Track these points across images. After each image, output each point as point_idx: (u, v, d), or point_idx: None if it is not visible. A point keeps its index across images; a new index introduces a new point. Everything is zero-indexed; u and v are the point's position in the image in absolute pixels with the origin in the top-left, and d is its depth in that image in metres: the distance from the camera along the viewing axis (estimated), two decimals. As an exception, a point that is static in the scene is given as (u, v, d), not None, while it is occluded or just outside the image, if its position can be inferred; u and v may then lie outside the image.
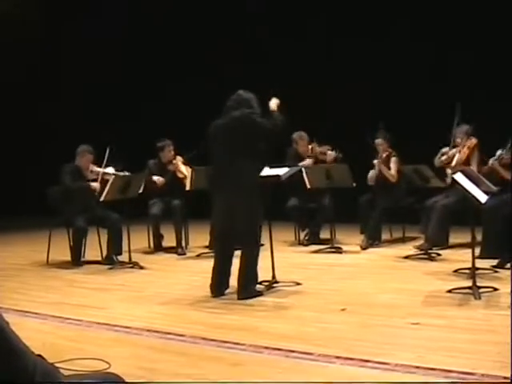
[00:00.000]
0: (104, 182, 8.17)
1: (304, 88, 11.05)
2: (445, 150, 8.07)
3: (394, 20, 10.55)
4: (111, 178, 7.98)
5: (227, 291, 6.26)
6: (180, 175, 9.21)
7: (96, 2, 12.95)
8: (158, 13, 12.82)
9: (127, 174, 8.39)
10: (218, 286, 6.24)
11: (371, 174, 8.98)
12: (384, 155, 8.91)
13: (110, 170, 8.40)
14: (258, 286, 6.24)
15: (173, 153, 9.30)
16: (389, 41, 10.57)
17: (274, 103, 6.45)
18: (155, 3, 12.61)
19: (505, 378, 3.65)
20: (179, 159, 9.25)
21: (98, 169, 8.43)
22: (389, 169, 8.89)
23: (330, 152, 9.09)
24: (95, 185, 8.31)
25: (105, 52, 13.07)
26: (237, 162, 6.03)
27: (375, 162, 8.92)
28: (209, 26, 12.32)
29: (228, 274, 6.29)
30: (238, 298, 6.04)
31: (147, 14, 12.86)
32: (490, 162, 7.26)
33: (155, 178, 9.11)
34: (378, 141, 8.92)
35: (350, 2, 10.97)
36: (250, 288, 6.09)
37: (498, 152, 7.35)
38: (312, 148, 9.27)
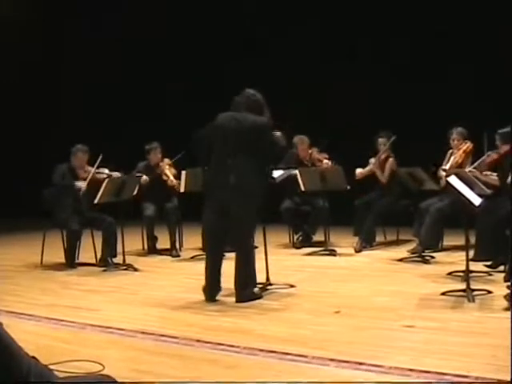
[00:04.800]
0: (94, 182, 8.15)
1: (302, 88, 11.08)
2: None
3: (393, 20, 10.57)
4: (105, 181, 7.96)
5: (221, 294, 6.26)
6: (164, 177, 9.22)
7: (96, 2, 12.97)
8: (159, 13, 12.82)
9: (119, 174, 8.38)
10: (213, 290, 6.19)
11: (360, 170, 8.99)
12: (382, 157, 8.92)
13: (104, 170, 8.40)
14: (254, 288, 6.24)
15: (160, 156, 9.34)
16: (388, 42, 10.60)
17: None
18: (156, 3, 12.65)
19: (499, 380, 3.66)
20: (166, 162, 9.26)
21: (91, 168, 8.40)
22: (383, 170, 8.92)
23: (326, 161, 9.09)
24: (79, 184, 8.26)
25: (105, 52, 13.08)
26: (242, 162, 5.97)
27: (371, 161, 8.94)
28: (209, 26, 12.32)
29: (220, 276, 6.26)
30: (237, 301, 6.02)
31: (147, 14, 12.85)
32: (469, 169, 7.19)
33: (139, 176, 9.08)
34: (382, 140, 8.94)
35: (349, 2, 10.99)
36: (247, 290, 6.07)
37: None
38: (311, 153, 9.27)
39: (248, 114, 6.11)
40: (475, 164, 7.34)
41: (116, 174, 8.37)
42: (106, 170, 8.40)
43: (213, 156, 6.18)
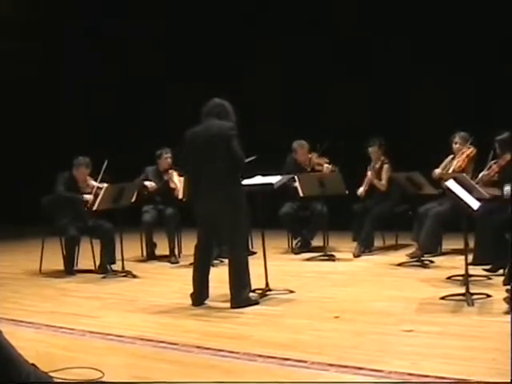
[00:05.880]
0: (97, 196, 8.15)
1: (303, 88, 11.10)
2: (437, 170, 8.08)
3: (394, 20, 10.59)
4: (104, 187, 7.95)
5: (220, 300, 6.26)
6: (172, 185, 9.20)
7: (96, 2, 13.03)
8: (159, 12, 12.86)
9: None
10: (200, 296, 6.25)
11: (360, 191, 9.00)
12: (377, 166, 8.93)
13: (105, 185, 8.37)
14: (251, 294, 6.23)
15: (169, 161, 9.28)
16: (389, 42, 10.63)
17: None
18: (156, 3, 12.70)
19: (499, 384, 3.67)
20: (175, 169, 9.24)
21: (94, 183, 8.39)
22: (381, 178, 8.92)
23: (326, 165, 9.09)
24: (88, 197, 8.26)
25: (105, 52, 13.13)
26: (220, 169, 6.01)
27: (368, 174, 8.92)
28: (209, 26, 12.34)
29: (208, 283, 6.30)
30: (232, 307, 6.02)
31: (147, 14, 12.89)
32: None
33: (147, 183, 9.12)
34: (372, 149, 8.94)
35: (349, 3, 11.00)
36: (242, 296, 6.06)
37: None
38: (311, 158, 9.28)
39: (215, 120, 6.15)
40: (478, 178, 7.30)
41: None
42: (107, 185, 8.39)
43: (194, 164, 6.25)
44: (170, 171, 9.24)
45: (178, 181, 9.15)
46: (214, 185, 6.02)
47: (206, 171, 6.06)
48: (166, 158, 9.29)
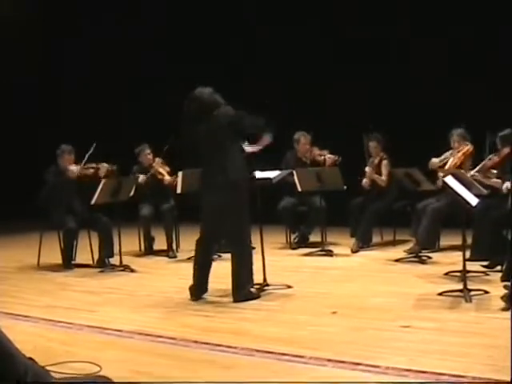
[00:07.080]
0: (83, 176, 8.30)
1: (302, 88, 11.08)
2: (434, 159, 8.06)
3: (393, 20, 10.57)
4: (102, 182, 7.96)
5: (218, 294, 6.26)
6: (159, 176, 9.21)
7: (96, 2, 13.01)
8: (159, 12, 12.84)
9: (105, 165, 8.37)
10: (199, 290, 6.25)
11: (364, 182, 8.98)
12: (376, 161, 8.93)
13: (91, 164, 8.43)
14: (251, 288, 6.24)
15: (150, 156, 9.36)
16: (388, 42, 10.61)
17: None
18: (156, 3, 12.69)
19: (496, 381, 3.67)
20: (158, 161, 9.25)
21: (78, 167, 8.43)
22: (380, 173, 8.91)
23: (329, 155, 9.07)
24: (74, 167, 8.34)
25: (105, 52, 13.12)
26: (223, 160, 6.01)
27: (367, 169, 8.92)
28: (209, 25, 12.31)
29: (208, 277, 6.30)
30: (234, 301, 6.03)
31: (147, 14, 12.87)
32: (471, 173, 7.17)
33: (137, 175, 9.17)
34: (372, 144, 8.93)
35: (349, 2, 10.98)
36: (245, 290, 6.07)
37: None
38: (311, 150, 9.27)
39: (212, 119, 6.09)
40: (477, 168, 7.29)
41: (104, 165, 8.35)
42: (93, 164, 8.43)
43: (202, 158, 6.24)
44: (154, 164, 9.26)
45: (163, 171, 9.22)
46: (221, 178, 5.99)
47: (212, 165, 6.06)
48: (146, 154, 9.38)
